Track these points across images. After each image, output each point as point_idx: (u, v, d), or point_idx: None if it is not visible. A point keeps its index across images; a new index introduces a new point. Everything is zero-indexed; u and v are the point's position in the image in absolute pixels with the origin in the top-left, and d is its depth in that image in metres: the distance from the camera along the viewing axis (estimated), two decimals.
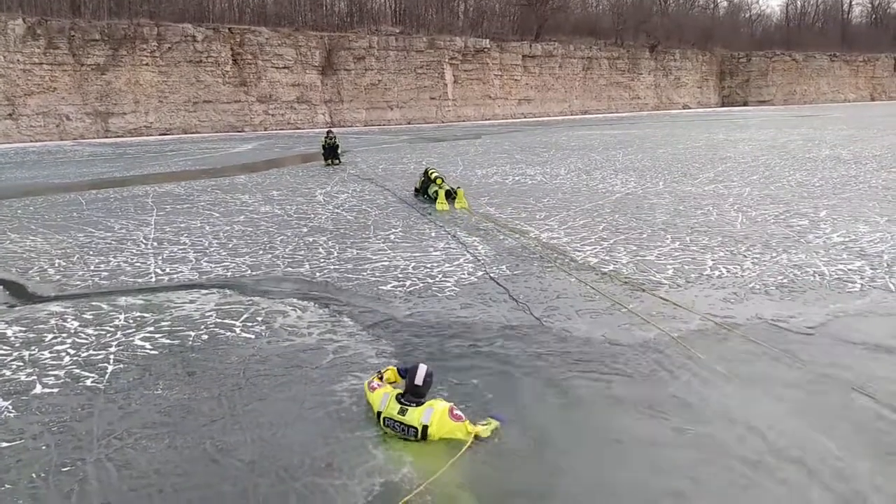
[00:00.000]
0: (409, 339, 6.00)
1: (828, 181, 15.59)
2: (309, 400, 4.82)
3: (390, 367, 4.96)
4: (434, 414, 4.24)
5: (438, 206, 12.96)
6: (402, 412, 4.31)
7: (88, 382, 5.19)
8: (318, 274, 8.32)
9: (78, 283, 8.23)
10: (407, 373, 4.51)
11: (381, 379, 4.79)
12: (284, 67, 48.52)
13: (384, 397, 4.47)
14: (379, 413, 4.42)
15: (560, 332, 6.11)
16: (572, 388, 4.95)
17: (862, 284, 7.42)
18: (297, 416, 4.59)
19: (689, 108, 75.86)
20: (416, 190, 14.52)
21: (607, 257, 8.84)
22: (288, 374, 5.28)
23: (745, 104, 78.86)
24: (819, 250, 8.99)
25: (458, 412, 4.29)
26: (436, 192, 13.40)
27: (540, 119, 60.27)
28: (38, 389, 5.09)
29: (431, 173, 14.05)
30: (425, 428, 4.21)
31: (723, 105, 79.72)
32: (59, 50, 40.04)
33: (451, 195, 13.28)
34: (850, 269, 8.02)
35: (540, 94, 63.82)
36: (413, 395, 4.39)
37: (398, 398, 4.40)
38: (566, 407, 4.66)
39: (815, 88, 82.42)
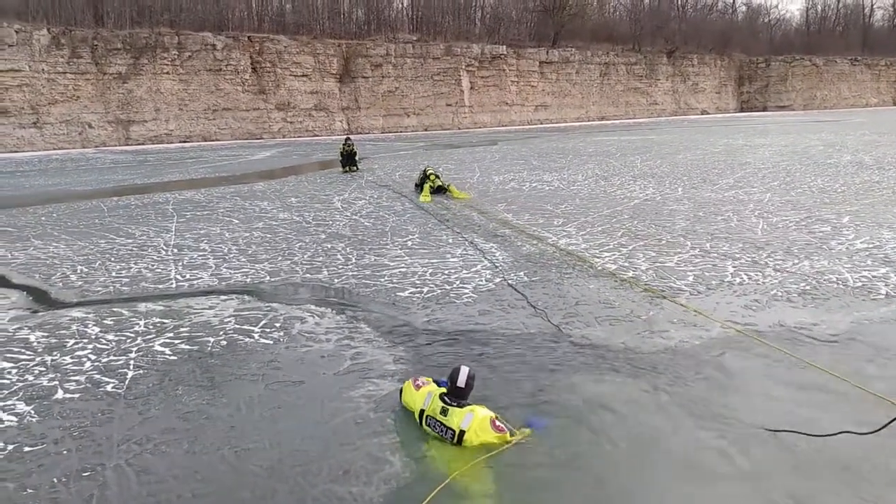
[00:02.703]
0: (426, 346, 5.99)
1: (850, 187, 15.39)
2: (327, 406, 4.82)
3: (427, 377, 4.93)
4: (474, 420, 4.20)
5: (421, 198, 14.91)
6: (444, 412, 4.30)
7: (109, 388, 5.23)
8: (336, 280, 8.34)
9: (99, 289, 8.32)
10: (448, 380, 4.51)
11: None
12: (303, 75, 48.88)
13: (428, 396, 4.47)
14: (422, 411, 4.42)
15: (579, 339, 6.07)
16: (590, 394, 4.90)
17: (887, 292, 7.30)
18: (314, 422, 4.59)
19: (708, 113, 75.36)
20: (417, 185, 16.45)
21: (626, 264, 8.78)
22: (306, 381, 5.28)
23: (764, 109, 78.20)
24: (842, 257, 8.86)
25: (501, 424, 4.23)
26: (428, 185, 15.46)
27: (557, 125, 60.16)
28: (60, 394, 5.14)
29: (427, 170, 16.11)
30: (462, 433, 4.19)
31: (741, 110, 79.13)
32: (83, 59, 40.66)
33: (442, 190, 15.49)
34: (874, 276, 7.90)
35: (557, 101, 63.72)
36: (456, 396, 4.38)
37: (441, 397, 4.40)
38: (585, 413, 4.62)
39: (835, 93, 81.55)
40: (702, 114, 74.68)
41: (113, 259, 9.96)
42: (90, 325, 6.78)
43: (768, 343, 5.83)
